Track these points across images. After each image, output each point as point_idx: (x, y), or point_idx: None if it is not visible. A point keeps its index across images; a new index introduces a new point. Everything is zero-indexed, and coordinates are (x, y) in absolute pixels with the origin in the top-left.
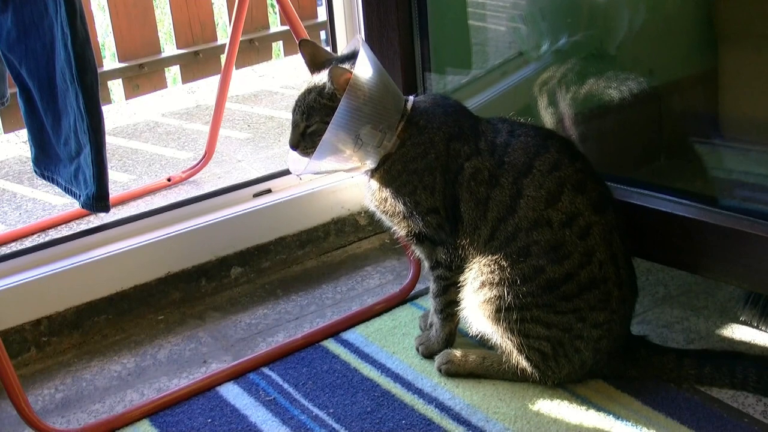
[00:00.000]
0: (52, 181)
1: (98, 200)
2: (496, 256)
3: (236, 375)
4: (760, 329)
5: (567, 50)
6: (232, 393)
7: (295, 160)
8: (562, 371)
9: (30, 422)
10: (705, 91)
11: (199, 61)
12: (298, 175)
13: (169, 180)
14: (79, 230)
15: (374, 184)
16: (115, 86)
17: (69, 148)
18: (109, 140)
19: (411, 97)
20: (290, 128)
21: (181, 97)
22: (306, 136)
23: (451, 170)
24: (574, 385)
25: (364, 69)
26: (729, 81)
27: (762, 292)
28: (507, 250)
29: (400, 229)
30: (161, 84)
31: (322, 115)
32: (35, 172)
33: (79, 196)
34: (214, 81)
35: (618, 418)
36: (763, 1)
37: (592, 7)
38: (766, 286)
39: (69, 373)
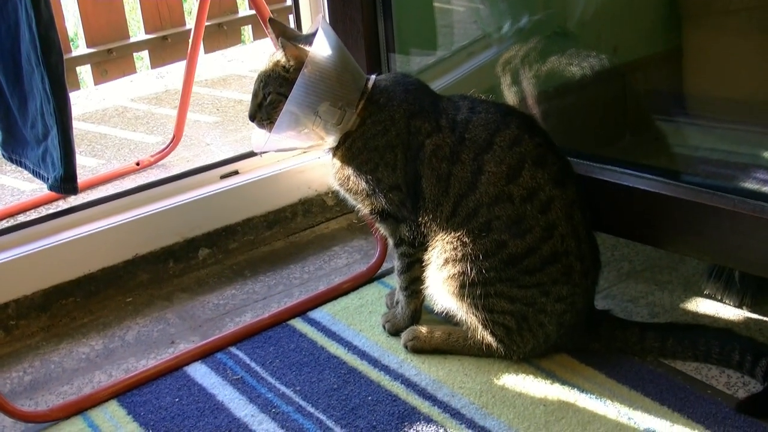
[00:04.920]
0: (19, 164)
1: (66, 182)
2: (459, 233)
3: (204, 355)
4: (724, 302)
5: (529, 29)
6: (200, 372)
7: (257, 137)
8: (526, 345)
9: None
10: (669, 69)
11: (167, 45)
12: (258, 153)
13: (137, 164)
14: (46, 213)
15: (337, 162)
16: (84, 72)
17: (36, 131)
18: (78, 125)
19: (372, 76)
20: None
21: (149, 82)
22: (262, 108)
23: (412, 147)
24: (538, 359)
25: (321, 47)
26: (693, 58)
27: (722, 264)
28: (469, 226)
29: (363, 207)
30: (130, 69)
31: (276, 86)
32: (2, 155)
33: (47, 178)
34: (182, 66)
35: (582, 391)
36: None
37: None
38: (726, 257)
39: (37, 355)
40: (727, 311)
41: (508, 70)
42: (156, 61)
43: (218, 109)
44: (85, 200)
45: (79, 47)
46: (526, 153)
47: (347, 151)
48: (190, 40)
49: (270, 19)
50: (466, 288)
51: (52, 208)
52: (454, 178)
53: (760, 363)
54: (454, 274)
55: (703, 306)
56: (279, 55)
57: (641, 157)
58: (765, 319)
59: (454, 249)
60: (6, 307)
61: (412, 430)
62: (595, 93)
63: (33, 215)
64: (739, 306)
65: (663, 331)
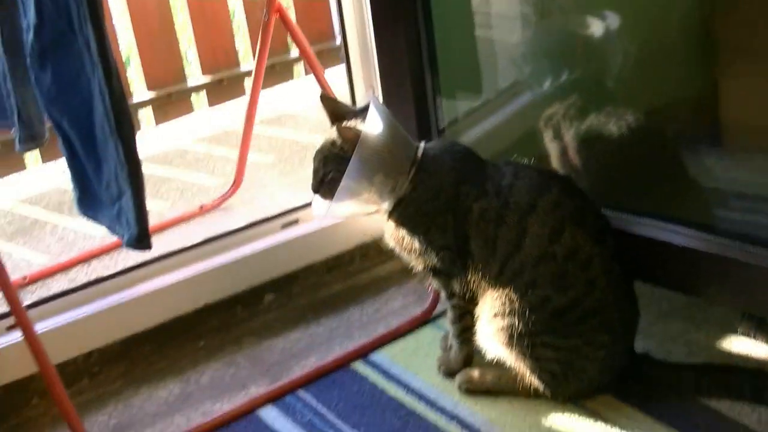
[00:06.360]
0: (96, 220)
1: (140, 240)
2: (507, 290)
3: (274, 398)
4: (756, 341)
5: (568, 86)
6: (271, 415)
7: (317, 204)
8: (571, 389)
9: None
10: (704, 119)
11: (223, 87)
12: (319, 220)
13: (201, 208)
14: (119, 269)
15: (391, 224)
16: (144, 115)
17: (110, 192)
18: (143, 168)
19: (422, 144)
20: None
21: (207, 122)
22: (324, 183)
23: (461, 211)
24: (583, 399)
25: (373, 125)
26: (732, 108)
27: (752, 313)
28: (515, 283)
29: (417, 264)
30: (188, 110)
31: (335, 165)
32: (79, 211)
33: (123, 235)
34: (237, 104)
35: (623, 429)
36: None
37: (590, 44)
38: (757, 307)
39: (120, 400)
40: (759, 350)
41: (549, 125)
42: (212, 102)
43: (273, 148)
44: (155, 254)
45: (139, 90)
46: (567, 215)
47: (401, 215)
48: (250, 87)
49: (321, 96)
50: (515, 339)
51: (123, 252)
52: (500, 240)
53: None
54: (503, 327)
55: (737, 345)
56: (334, 134)
57: (675, 208)
58: None
59: (503, 304)
60: (89, 355)
61: None
62: (630, 145)
63: (106, 260)
64: None
65: (698, 371)
